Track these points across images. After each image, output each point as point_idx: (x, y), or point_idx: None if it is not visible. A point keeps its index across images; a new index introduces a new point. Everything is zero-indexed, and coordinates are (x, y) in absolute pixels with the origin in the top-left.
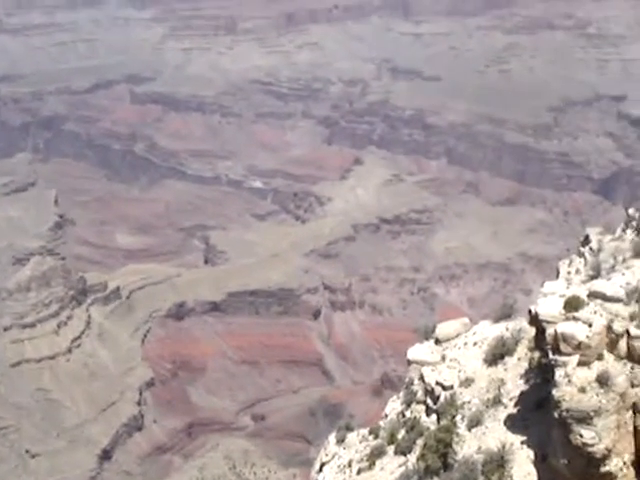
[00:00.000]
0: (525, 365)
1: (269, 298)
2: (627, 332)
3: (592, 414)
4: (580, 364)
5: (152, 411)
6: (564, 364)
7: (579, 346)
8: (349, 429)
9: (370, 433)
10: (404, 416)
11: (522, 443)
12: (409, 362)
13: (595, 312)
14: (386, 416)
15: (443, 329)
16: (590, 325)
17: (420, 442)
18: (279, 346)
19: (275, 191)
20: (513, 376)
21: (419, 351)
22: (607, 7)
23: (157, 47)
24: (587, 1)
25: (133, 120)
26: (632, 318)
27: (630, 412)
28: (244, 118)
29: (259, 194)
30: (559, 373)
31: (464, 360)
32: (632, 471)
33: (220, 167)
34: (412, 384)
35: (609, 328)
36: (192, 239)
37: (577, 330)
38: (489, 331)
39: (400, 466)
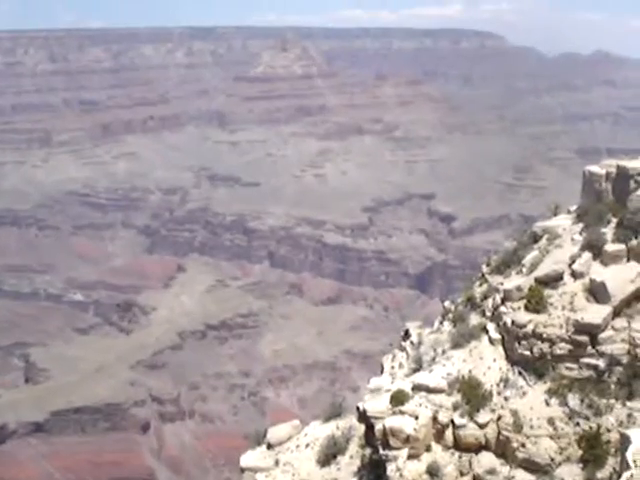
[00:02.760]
0: (358, 463)
1: (95, 414)
2: (452, 422)
3: None
4: (410, 457)
5: None
6: (395, 458)
7: (407, 439)
8: None
9: None
10: None
11: None
12: (242, 470)
13: (420, 404)
14: None
15: (274, 433)
16: (416, 418)
17: None
18: (108, 463)
19: (97, 303)
20: (346, 475)
21: (251, 458)
22: (412, 111)
23: None
24: (393, 106)
25: None
26: (455, 408)
27: None
28: (62, 231)
29: (80, 307)
30: (390, 468)
31: (297, 463)
32: None
33: (38, 281)
34: None
35: (435, 419)
36: (11, 358)
37: (404, 424)
38: (320, 431)
39: None
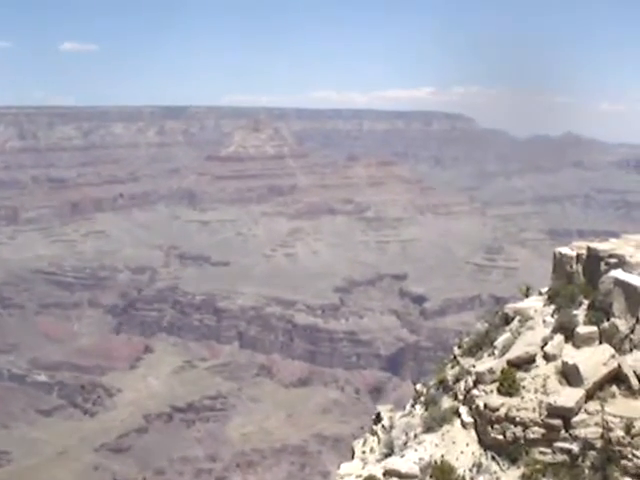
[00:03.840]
0: None
1: None
2: None
3: None
4: None
5: None
6: None
7: None
8: None
9: None
10: None
11: None
12: None
13: None
14: None
15: None
16: None
17: None
18: None
19: (61, 384)
20: None
21: None
22: (384, 192)
23: None
24: (365, 187)
25: None
26: None
27: None
28: (27, 309)
29: (44, 388)
30: None
31: None
32: None
33: (2, 362)
34: None
35: None
36: None
37: None
38: None
39: None
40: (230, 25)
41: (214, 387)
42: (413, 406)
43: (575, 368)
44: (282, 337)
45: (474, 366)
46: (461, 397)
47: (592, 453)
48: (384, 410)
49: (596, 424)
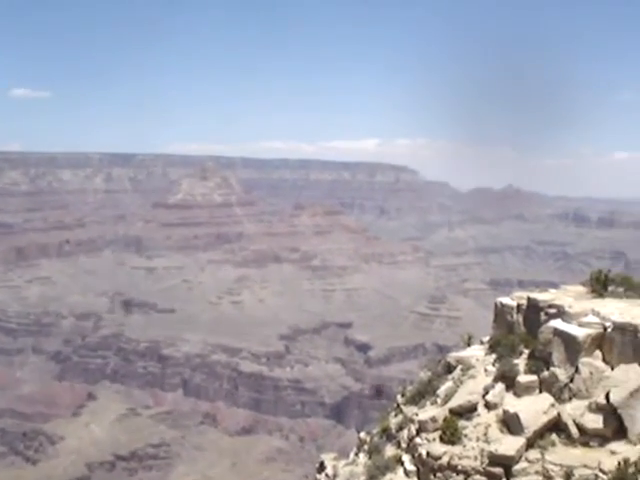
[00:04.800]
0: None
1: None
2: None
3: None
4: None
5: None
6: None
7: None
8: None
9: None
10: None
11: None
12: None
13: None
14: None
15: None
16: None
17: None
18: None
19: (3, 432)
20: None
21: None
22: (329, 241)
23: None
24: (311, 235)
25: None
26: None
27: None
28: None
29: None
30: None
31: None
32: None
33: None
34: None
35: None
36: None
37: None
38: None
39: None
40: (177, 74)
41: (158, 435)
42: (357, 454)
43: (516, 417)
44: (227, 385)
45: (417, 414)
46: (404, 445)
47: None
48: (328, 459)
49: (536, 472)
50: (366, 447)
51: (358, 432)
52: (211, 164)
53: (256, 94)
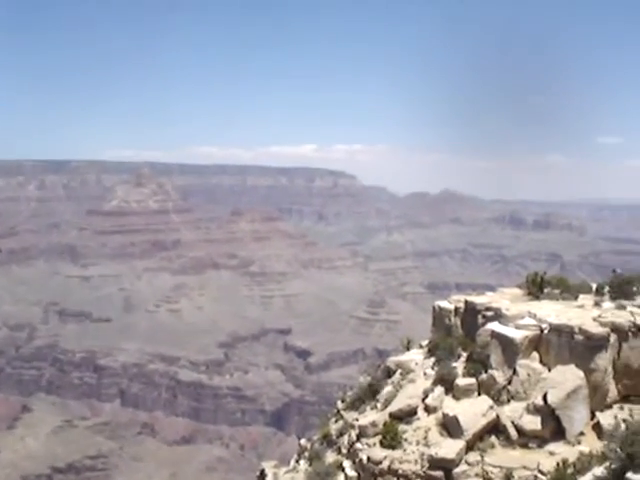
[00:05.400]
0: None
1: None
2: None
3: None
4: None
5: None
6: None
7: None
8: None
9: None
10: None
11: None
12: None
13: None
14: None
15: None
16: None
17: None
18: None
19: None
20: None
21: None
22: (268, 247)
23: None
24: (249, 241)
25: None
26: None
27: None
28: None
29: None
30: None
31: None
32: None
33: None
34: None
35: None
36: None
37: None
38: None
39: None
40: (112, 79)
41: (95, 446)
42: (297, 461)
43: (455, 420)
44: (165, 394)
45: (357, 420)
46: (345, 451)
47: None
48: (268, 466)
49: (476, 475)
50: (307, 454)
51: (299, 439)
52: (147, 170)
53: (192, 100)
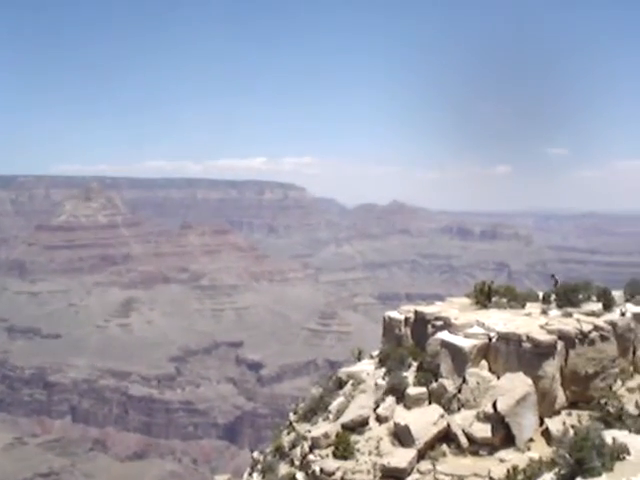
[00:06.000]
0: None
1: None
2: None
3: None
4: None
5: None
6: None
7: None
8: None
9: None
10: None
11: None
12: None
13: None
14: None
15: None
16: None
17: None
18: None
19: None
20: None
21: None
22: (218, 260)
23: None
24: (199, 255)
25: None
26: None
27: None
28: None
29: None
30: None
31: None
32: None
33: None
34: None
35: None
36: None
37: None
38: None
39: None
40: (58, 93)
41: (46, 463)
42: (250, 474)
43: (406, 429)
44: (116, 409)
45: (309, 431)
46: (298, 463)
47: None
48: None
49: None
50: (260, 466)
51: (251, 452)
52: (95, 185)
53: (138, 114)
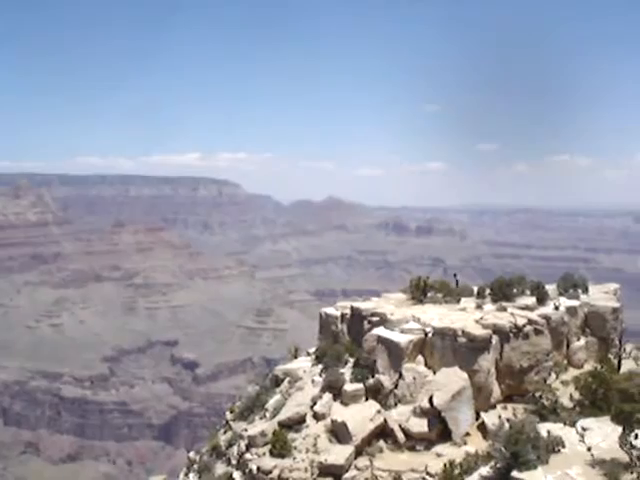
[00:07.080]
0: None
1: None
2: None
3: None
4: None
5: None
6: None
7: None
8: None
9: None
10: None
11: None
12: None
13: None
14: None
15: None
16: None
17: None
18: None
19: None
20: None
21: None
22: (152, 258)
23: None
24: (132, 253)
25: None
26: None
27: None
28: None
29: None
30: None
31: None
32: None
33: None
34: None
35: None
36: None
37: None
38: None
39: None
40: None
41: None
42: (187, 474)
43: (344, 425)
44: (49, 411)
45: (246, 430)
46: (234, 462)
47: None
48: None
49: (366, 479)
50: (196, 466)
51: (188, 452)
52: (25, 182)
53: (71, 109)
